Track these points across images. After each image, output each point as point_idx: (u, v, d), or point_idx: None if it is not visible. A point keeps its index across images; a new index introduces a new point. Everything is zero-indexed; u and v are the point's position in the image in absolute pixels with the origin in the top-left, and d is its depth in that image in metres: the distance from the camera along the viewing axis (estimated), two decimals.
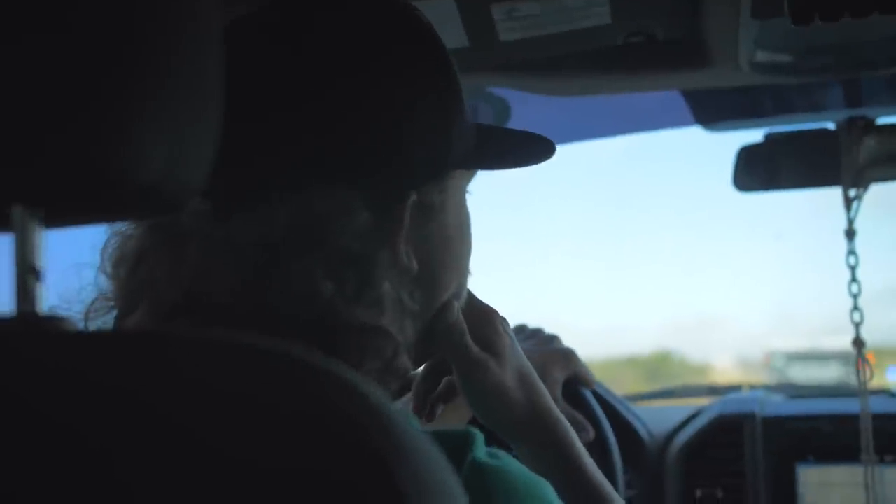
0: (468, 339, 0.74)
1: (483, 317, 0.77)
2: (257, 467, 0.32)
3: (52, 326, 0.39)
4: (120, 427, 0.33)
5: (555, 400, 0.81)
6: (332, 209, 0.60)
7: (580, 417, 0.99)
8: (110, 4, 0.38)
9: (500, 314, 0.80)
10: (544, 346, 1.02)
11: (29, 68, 0.36)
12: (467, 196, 0.72)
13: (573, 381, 1.06)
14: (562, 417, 0.78)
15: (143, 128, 0.39)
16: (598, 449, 1.11)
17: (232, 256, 0.59)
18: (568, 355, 1.02)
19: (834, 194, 1.52)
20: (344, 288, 0.59)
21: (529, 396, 0.76)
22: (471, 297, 0.76)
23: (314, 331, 0.58)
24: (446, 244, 0.69)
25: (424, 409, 0.81)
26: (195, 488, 0.32)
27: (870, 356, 1.50)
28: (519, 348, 0.79)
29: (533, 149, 0.74)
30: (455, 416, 0.94)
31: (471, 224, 0.72)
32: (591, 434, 1.00)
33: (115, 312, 0.63)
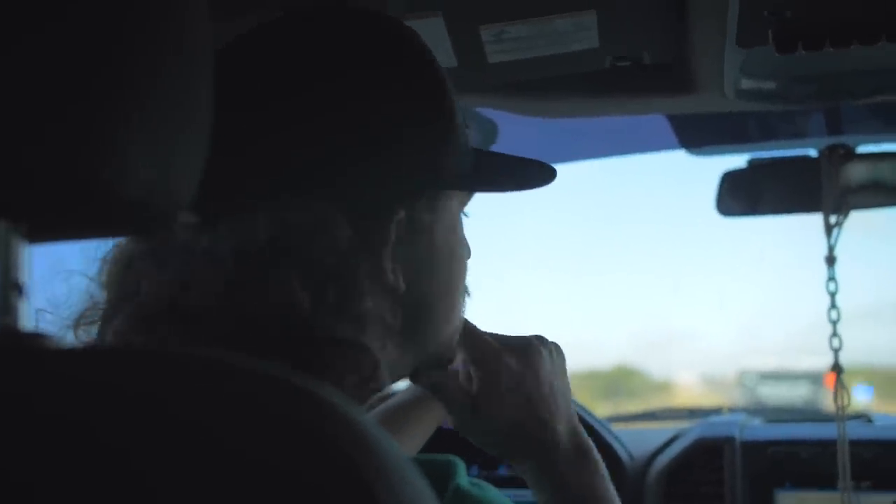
0: (501, 371, 0.76)
1: (524, 345, 0.78)
2: (236, 490, 0.32)
3: (32, 343, 0.38)
4: (90, 448, 0.33)
5: None
6: (310, 222, 0.60)
7: None
8: (98, 15, 0.38)
9: (554, 345, 0.81)
10: None
11: (13, 80, 0.36)
12: (463, 219, 0.73)
13: None
14: (592, 449, 0.79)
15: (130, 141, 0.39)
16: None
17: (212, 266, 0.59)
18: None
19: (814, 219, 1.53)
20: (323, 301, 0.59)
21: (559, 422, 0.77)
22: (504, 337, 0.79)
23: (292, 343, 0.59)
24: (435, 265, 0.68)
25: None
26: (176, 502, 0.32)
27: (832, 376, 1.51)
28: (565, 375, 0.80)
29: (532, 174, 0.74)
30: (419, 430, 0.94)
31: (464, 247, 0.72)
32: None
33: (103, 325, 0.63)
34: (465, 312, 0.74)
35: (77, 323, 0.63)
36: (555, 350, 0.81)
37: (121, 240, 0.64)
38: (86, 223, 0.42)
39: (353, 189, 0.62)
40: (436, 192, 0.67)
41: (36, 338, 0.38)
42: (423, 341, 0.69)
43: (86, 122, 0.38)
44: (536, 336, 0.81)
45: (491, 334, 0.79)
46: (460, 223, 0.72)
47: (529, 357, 0.77)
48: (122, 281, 0.62)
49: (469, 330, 0.76)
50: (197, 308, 0.59)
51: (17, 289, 0.39)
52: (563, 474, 0.77)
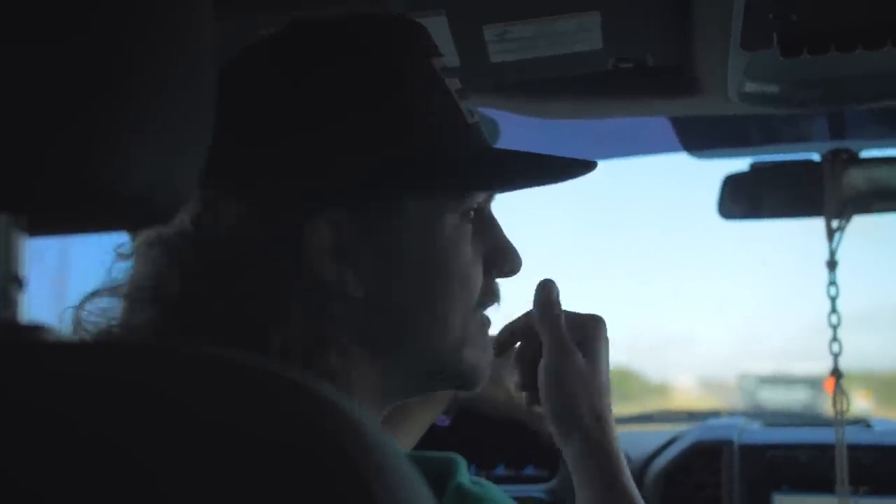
0: (562, 324, 0.77)
1: (588, 320, 0.79)
2: (232, 487, 0.32)
3: (32, 335, 0.38)
4: (86, 443, 0.33)
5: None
6: (222, 212, 0.61)
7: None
8: (100, 13, 0.38)
9: (606, 325, 0.81)
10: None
11: (15, 75, 0.36)
12: (458, 222, 0.67)
13: None
14: (615, 436, 0.79)
15: (131, 137, 0.39)
16: None
17: (196, 274, 0.61)
18: None
19: (816, 224, 1.53)
20: (233, 291, 0.60)
21: (598, 401, 0.77)
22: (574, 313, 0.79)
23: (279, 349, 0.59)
24: (407, 272, 0.65)
25: (536, 396, 0.80)
26: (174, 500, 0.32)
27: (831, 381, 1.51)
28: (609, 364, 0.81)
29: (555, 170, 0.71)
30: (418, 420, 0.94)
31: (455, 251, 0.67)
32: None
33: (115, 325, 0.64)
34: (475, 326, 0.70)
35: (81, 306, 0.64)
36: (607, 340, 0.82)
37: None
38: (87, 217, 0.42)
39: (264, 184, 0.62)
40: (390, 195, 0.64)
41: (35, 331, 0.38)
42: (408, 353, 0.67)
43: (89, 118, 0.38)
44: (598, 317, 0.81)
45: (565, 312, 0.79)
46: (455, 224, 0.67)
47: (596, 348, 0.78)
48: (129, 285, 0.64)
49: (549, 322, 0.77)
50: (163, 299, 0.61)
51: (17, 282, 0.39)
52: (610, 451, 0.77)
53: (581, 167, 0.70)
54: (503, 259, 0.71)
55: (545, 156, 0.70)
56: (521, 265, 0.72)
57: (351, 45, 0.66)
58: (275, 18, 0.70)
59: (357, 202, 0.63)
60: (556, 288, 0.78)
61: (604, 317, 0.81)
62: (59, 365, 0.35)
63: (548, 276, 0.80)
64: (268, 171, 0.62)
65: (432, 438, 0.93)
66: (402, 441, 0.92)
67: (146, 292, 0.62)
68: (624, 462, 0.78)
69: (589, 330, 0.79)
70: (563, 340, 0.76)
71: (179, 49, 0.41)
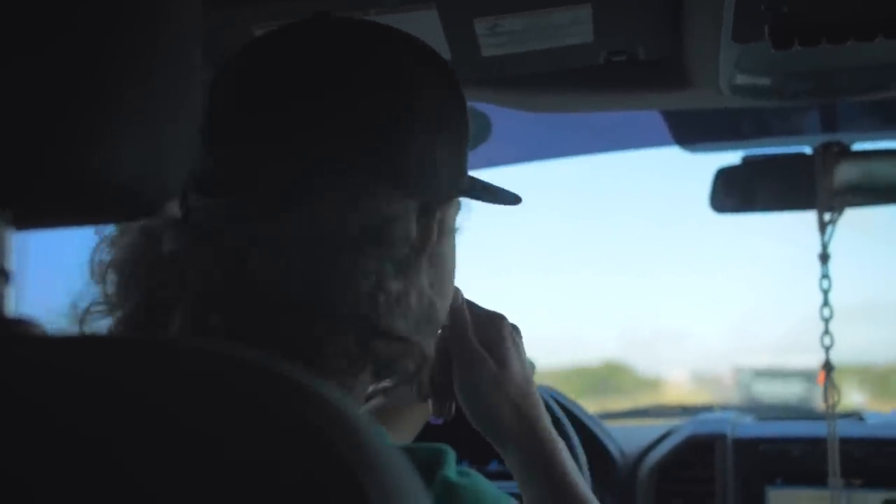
0: (471, 333, 0.76)
1: (490, 321, 0.78)
2: (222, 483, 0.32)
3: (20, 329, 0.38)
4: (87, 425, 0.32)
5: None
6: (388, 211, 0.61)
7: None
8: (89, 6, 0.38)
9: (509, 321, 0.80)
10: None
11: (2, 70, 0.35)
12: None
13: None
14: (551, 429, 0.78)
15: (118, 128, 0.39)
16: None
17: (280, 252, 0.59)
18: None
19: (809, 216, 1.54)
20: (384, 295, 0.60)
21: (523, 404, 0.76)
22: (476, 306, 0.79)
23: (348, 336, 0.59)
24: (445, 266, 0.70)
25: (444, 407, 0.80)
26: (162, 497, 0.32)
27: (823, 374, 1.52)
28: (525, 357, 0.80)
29: (509, 195, 0.76)
30: (406, 420, 0.94)
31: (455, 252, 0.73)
32: None
33: (112, 316, 0.62)
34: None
35: (83, 319, 0.62)
36: (516, 332, 0.81)
37: (113, 235, 0.63)
38: (74, 210, 0.41)
39: (422, 187, 0.64)
40: (456, 196, 0.69)
41: (22, 325, 0.38)
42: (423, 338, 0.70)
43: (75, 111, 0.37)
44: (502, 316, 0.81)
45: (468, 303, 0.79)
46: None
47: (503, 350, 0.77)
48: (133, 271, 0.62)
49: (458, 332, 0.76)
50: (259, 294, 0.59)
51: (4, 275, 0.38)
52: (543, 452, 0.76)
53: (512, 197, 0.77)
54: None
55: (503, 189, 0.76)
56: None
57: (430, 56, 0.70)
58: (264, 12, 0.70)
59: (427, 200, 0.65)
60: (461, 296, 0.78)
61: (509, 315, 0.81)
62: (46, 359, 0.35)
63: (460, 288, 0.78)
64: (422, 172, 0.64)
65: (427, 436, 0.92)
66: (397, 438, 0.92)
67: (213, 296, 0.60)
68: (564, 458, 0.77)
69: (492, 332, 0.78)
70: (472, 353, 0.75)
71: (166, 41, 0.41)
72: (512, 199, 0.77)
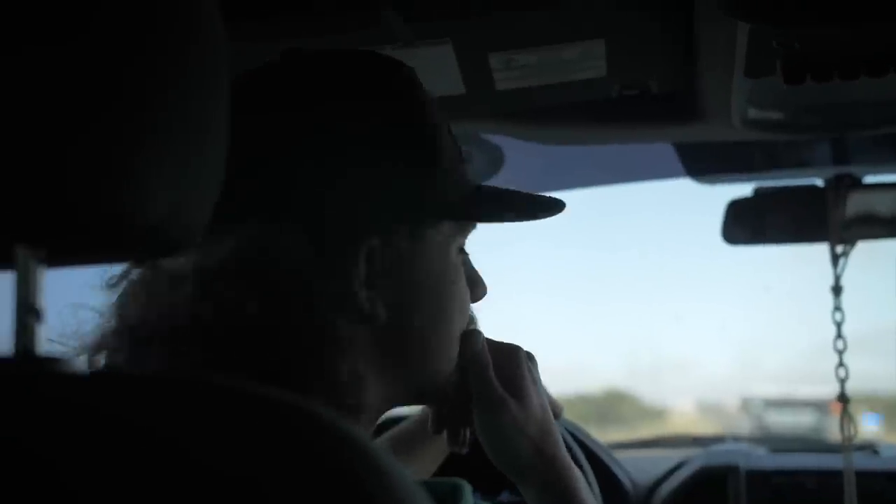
0: (491, 374, 0.74)
1: (508, 356, 0.77)
2: None
3: (50, 367, 0.38)
4: (118, 465, 0.33)
5: None
6: (273, 244, 0.61)
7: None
8: (117, 43, 0.38)
9: (526, 352, 0.79)
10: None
11: (32, 106, 0.36)
12: (459, 250, 0.72)
13: None
14: (569, 463, 0.77)
15: (147, 168, 0.39)
16: None
17: (181, 288, 0.61)
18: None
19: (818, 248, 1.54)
20: (287, 323, 0.60)
21: (543, 440, 0.75)
22: (491, 340, 0.77)
23: (258, 362, 0.59)
24: (420, 296, 0.68)
25: (458, 439, 0.80)
26: None
27: (838, 406, 1.51)
28: (542, 388, 0.79)
29: (535, 206, 0.74)
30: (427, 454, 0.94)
31: (458, 279, 0.71)
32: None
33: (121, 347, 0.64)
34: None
35: (92, 349, 0.63)
36: (532, 361, 0.80)
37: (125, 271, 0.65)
38: (103, 249, 0.42)
39: (318, 215, 0.63)
40: (417, 222, 0.67)
41: (51, 363, 0.39)
42: (415, 372, 0.69)
43: (105, 151, 0.38)
44: (525, 351, 0.80)
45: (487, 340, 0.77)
46: (456, 254, 0.71)
47: (520, 386, 0.76)
48: (121, 307, 0.63)
49: (479, 373, 0.75)
50: (175, 330, 0.60)
51: (35, 313, 0.39)
52: (565, 491, 0.76)
53: (554, 206, 0.74)
54: (475, 287, 0.76)
55: (528, 194, 0.75)
56: (486, 293, 0.77)
57: (378, 80, 0.68)
58: (277, 47, 0.71)
59: (391, 230, 0.65)
60: (482, 337, 0.76)
61: (526, 347, 0.79)
62: (75, 398, 0.35)
63: (476, 329, 0.77)
64: (312, 201, 0.63)
65: (451, 465, 0.92)
66: (419, 468, 0.92)
67: (182, 329, 0.61)
68: (580, 487, 0.76)
69: (511, 367, 0.76)
70: (494, 395, 0.74)
71: (193, 78, 0.42)
72: (525, 212, 0.73)
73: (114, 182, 0.38)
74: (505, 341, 0.79)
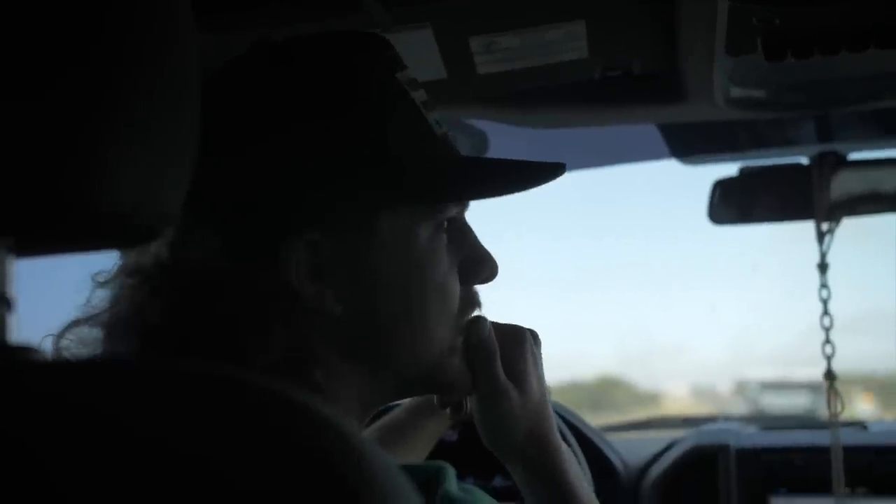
0: (497, 363, 0.73)
1: (514, 338, 0.75)
2: (223, 499, 0.32)
3: (22, 356, 0.38)
4: (94, 454, 0.33)
5: None
6: (197, 242, 0.62)
7: None
8: (79, 28, 0.38)
9: (531, 331, 0.78)
10: None
11: None
12: (432, 233, 0.68)
13: None
14: (560, 444, 0.77)
15: (115, 155, 0.39)
16: None
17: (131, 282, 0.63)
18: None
19: (807, 226, 1.54)
20: (218, 326, 0.61)
21: (538, 424, 0.75)
22: (496, 323, 0.75)
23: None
24: (383, 287, 0.65)
25: (461, 411, 0.79)
26: None
27: (826, 383, 1.51)
28: (542, 370, 0.78)
29: (523, 176, 0.70)
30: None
31: (431, 263, 0.67)
32: None
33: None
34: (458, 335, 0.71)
35: (62, 335, 0.64)
36: (536, 342, 0.79)
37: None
38: (73, 237, 0.42)
39: (238, 213, 0.63)
40: (363, 213, 0.64)
41: (24, 352, 0.38)
42: (393, 366, 0.67)
43: (70, 138, 0.38)
44: (530, 331, 0.78)
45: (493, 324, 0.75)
46: (431, 237, 0.67)
47: (521, 370, 0.75)
48: (112, 307, 0.64)
49: (485, 361, 0.73)
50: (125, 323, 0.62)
51: (6, 303, 0.39)
52: (554, 472, 0.76)
53: (549, 171, 0.70)
54: (480, 267, 0.71)
55: (516, 161, 0.70)
56: (497, 271, 0.72)
57: (313, 63, 0.66)
58: (255, 36, 0.70)
59: (331, 222, 0.63)
60: (488, 324, 0.73)
61: (534, 329, 0.78)
62: (48, 387, 0.35)
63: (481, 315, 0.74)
64: (241, 196, 0.63)
65: (440, 453, 0.93)
66: (412, 453, 0.93)
67: (126, 321, 0.62)
68: (568, 465, 0.76)
69: (515, 350, 0.75)
70: (497, 384, 0.73)
71: (162, 65, 0.41)
72: (508, 185, 0.69)
73: (83, 171, 0.38)
74: (510, 323, 0.77)
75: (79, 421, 0.34)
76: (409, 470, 0.58)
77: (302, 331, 0.62)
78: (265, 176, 0.63)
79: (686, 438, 1.83)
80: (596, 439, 1.74)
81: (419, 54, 1.04)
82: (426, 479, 0.58)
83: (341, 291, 0.63)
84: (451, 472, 0.59)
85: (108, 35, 0.39)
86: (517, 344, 0.75)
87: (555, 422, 0.78)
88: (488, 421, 0.74)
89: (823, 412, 1.56)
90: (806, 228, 1.53)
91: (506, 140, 1.48)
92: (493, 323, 0.75)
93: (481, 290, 0.74)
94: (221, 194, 0.62)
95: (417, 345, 0.67)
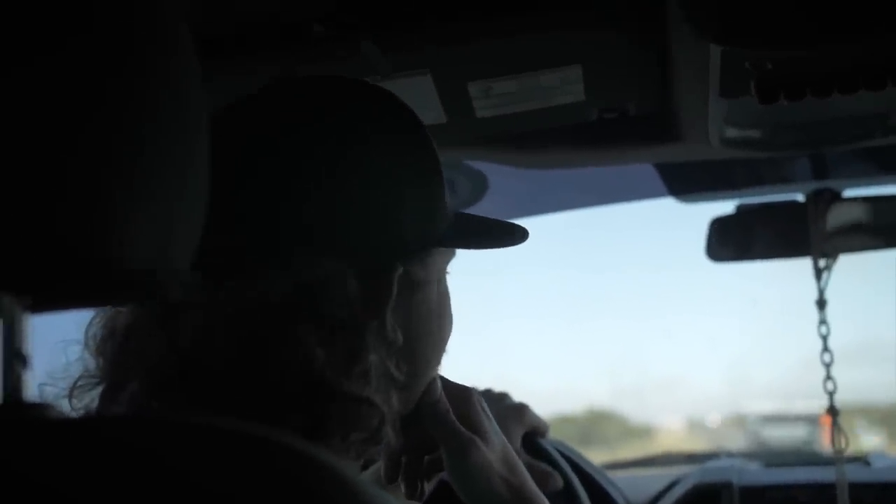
0: (454, 418, 0.75)
1: (462, 397, 0.78)
2: None
3: (37, 414, 0.39)
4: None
5: (516, 452, 0.82)
6: (323, 278, 0.61)
7: (544, 467, 1.00)
8: (95, 87, 0.39)
9: (476, 390, 0.81)
10: (498, 404, 1.02)
11: (13, 157, 0.36)
12: (447, 275, 0.75)
13: (530, 433, 1.07)
14: (536, 490, 0.78)
15: (129, 212, 0.39)
16: (566, 498, 1.10)
17: (226, 325, 0.60)
18: (522, 409, 1.04)
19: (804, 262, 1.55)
20: (334, 356, 0.60)
21: (511, 473, 0.77)
22: (444, 379, 0.78)
23: (304, 400, 0.59)
24: (428, 319, 0.71)
25: (416, 491, 0.81)
26: None
27: (828, 419, 1.51)
28: (497, 426, 0.79)
29: (507, 232, 0.76)
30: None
31: (450, 302, 0.74)
32: (559, 482, 1.01)
33: (100, 388, 0.63)
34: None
35: (72, 392, 0.63)
36: (485, 401, 0.81)
37: (106, 308, 0.64)
38: (88, 293, 0.43)
39: (360, 247, 0.64)
40: (428, 249, 0.69)
41: (40, 408, 0.39)
42: (414, 392, 0.72)
43: (85, 196, 0.38)
44: (474, 389, 0.81)
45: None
46: (447, 285, 0.74)
47: (476, 423, 0.77)
48: (123, 349, 0.63)
49: (443, 418, 0.75)
50: (212, 368, 0.59)
51: (22, 360, 0.39)
52: None
53: (519, 234, 0.76)
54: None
55: (498, 220, 0.77)
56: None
57: (391, 111, 0.71)
58: (254, 81, 0.72)
59: (411, 258, 0.67)
60: (440, 384, 0.76)
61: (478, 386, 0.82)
62: (65, 443, 0.36)
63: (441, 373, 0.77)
64: (364, 235, 0.65)
65: (438, 491, 0.92)
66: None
67: (168, 372, 0.60)
68: None
69: (468, 409, 0.77)
70: (461, 437, 0.75)
71: (171, 119, 0.42)
72: (509, 238, 0.75)
73: (98, 228, 0.39)
74: (453, 381, 0.79)
75: (83, 480, 0.34)
76: None
77: (383, 361, 0.64)
78: (371, 211, 0.65)
79: (689, 476, 1.82)
80: (598, 477, 1.73)
81: (419, 100, 1.06)
82: None
83: (400, 323, 0.66)
84: None
85: (121, 93, 0.40)
86: (466, 400, 0.78)
87: (525, 469, 0.79)
88: (462, 476, 0.75)
89: (823, 444, 1.55)
90: (804, 262, 1.54)
91: (505, 180, 1.49)
92: (444, 382, 0.78)
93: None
94: (339, 229, 0.64)
95: (429, 375, 0.74)
